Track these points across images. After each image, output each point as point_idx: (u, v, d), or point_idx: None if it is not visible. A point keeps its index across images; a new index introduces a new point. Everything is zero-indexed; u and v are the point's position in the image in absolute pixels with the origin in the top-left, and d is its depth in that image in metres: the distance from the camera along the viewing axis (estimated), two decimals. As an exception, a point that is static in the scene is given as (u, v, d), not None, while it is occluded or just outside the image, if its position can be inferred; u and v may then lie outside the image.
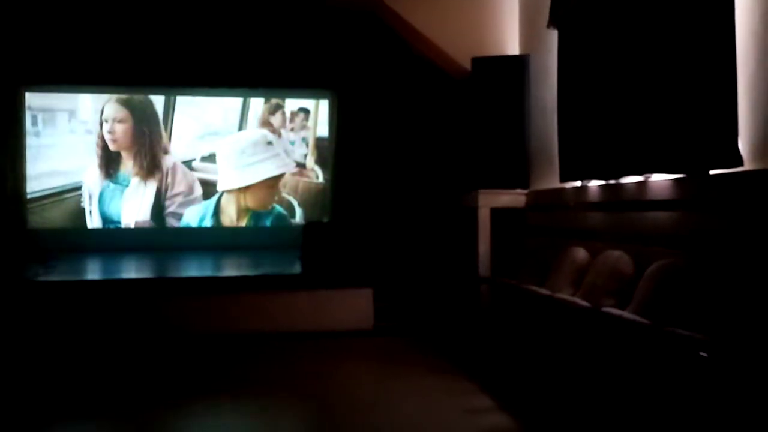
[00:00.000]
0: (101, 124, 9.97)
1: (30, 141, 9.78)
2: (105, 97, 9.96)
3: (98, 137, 9.96)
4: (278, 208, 10.40)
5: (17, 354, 5.44)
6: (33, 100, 9.80)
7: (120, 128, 10.02)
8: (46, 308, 5.83)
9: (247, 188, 10.31)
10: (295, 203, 10.43)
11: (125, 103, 10.04)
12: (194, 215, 10.25)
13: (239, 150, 10.33)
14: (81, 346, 5.65)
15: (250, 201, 10.33)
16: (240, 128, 10.39)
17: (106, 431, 3.97)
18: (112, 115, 10.00)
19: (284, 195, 10.41)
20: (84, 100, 9.98)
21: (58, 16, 8.84)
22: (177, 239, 10.05)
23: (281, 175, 10.36)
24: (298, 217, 10.37)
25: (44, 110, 9.86)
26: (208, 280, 6.63)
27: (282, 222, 10.36)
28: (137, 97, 10.07)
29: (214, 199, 10.27)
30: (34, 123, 9.84)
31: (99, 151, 9.95)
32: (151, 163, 10.07)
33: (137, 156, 10.04)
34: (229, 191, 10.29)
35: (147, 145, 10.05)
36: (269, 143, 10.38)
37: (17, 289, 6.00)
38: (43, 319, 5.79)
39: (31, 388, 4.68)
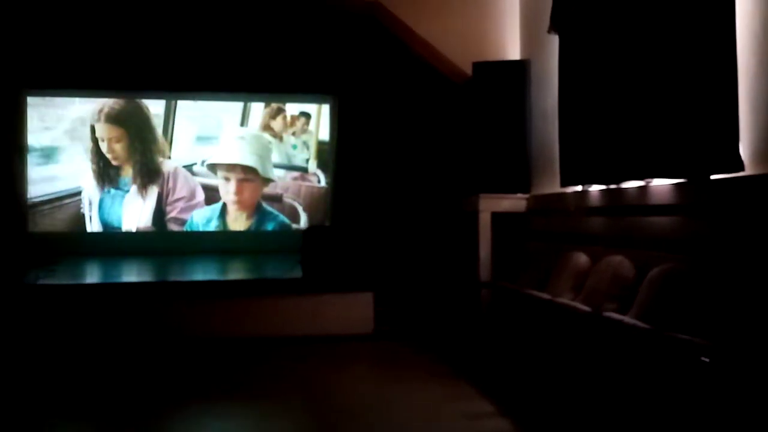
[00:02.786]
0: (96, 142, 9.89)
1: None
2: (100, 103, 9.88)
3: (92, 153, 9.88)
4: (281, 216, 10.35)
5: (17, 357, 5.43)
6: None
7: (119, 147, 9.98)
8: (46, 312, 5.82)
9: (231, 168, 10.22)
10: (300, 208, 10.40)
11: (115, 121, 9.93)
12: (200, 218, 10.22)
13: (238, 136, 10.35)
14: (82, 350, 5.64)
15: (238, 195, 10.23)
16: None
17: (105, 435, 3.96)
18: (107, 135, 9.93)
19: (287, 200, 10.37)
20: (86, 104, 9.94)
21: (63, 20, 8.85)
22: (179, 243, 9.99)
23: (254, 169, 10.27)
24: (303, 222, 10.31)
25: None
26: (208, 284, 6.61)
27: (285, 228, 10.29)
28: (127, 110, 9.98)
29: (220, 203, 10.23)
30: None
31: (98, 162, 9.89)
32: (150, 171, 10.03)
33: (136, 166, 9.99)
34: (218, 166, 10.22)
35: (145, 154, 10.01)
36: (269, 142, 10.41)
37: (17, 293, 6.00)
38: (43, 323, 5.77)
39: (32, 391, 4.66)
